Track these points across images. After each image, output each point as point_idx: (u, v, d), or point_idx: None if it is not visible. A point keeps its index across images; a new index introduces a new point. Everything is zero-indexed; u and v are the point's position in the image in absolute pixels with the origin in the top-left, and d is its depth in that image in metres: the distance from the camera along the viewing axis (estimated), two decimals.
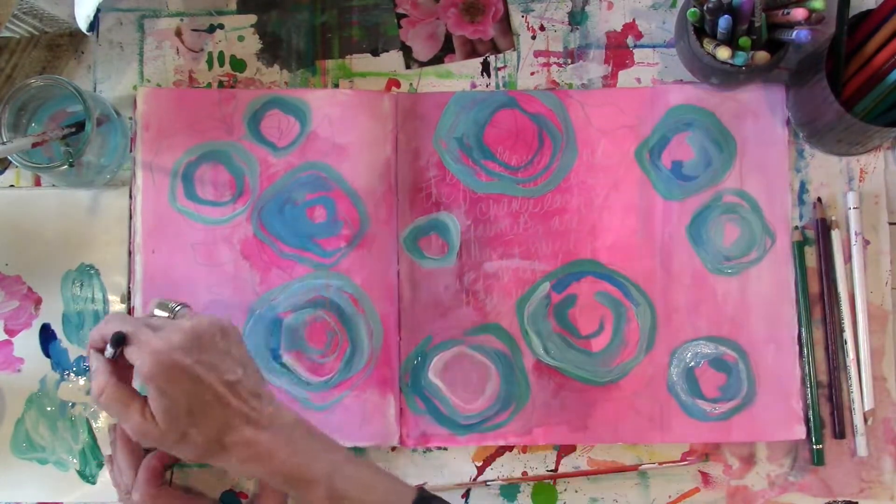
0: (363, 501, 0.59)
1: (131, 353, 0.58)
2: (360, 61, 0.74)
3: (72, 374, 0.71)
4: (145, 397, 0.58)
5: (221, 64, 0.74)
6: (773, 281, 0.71)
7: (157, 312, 0.62)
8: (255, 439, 0.58)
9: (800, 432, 0.69)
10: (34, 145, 0.65)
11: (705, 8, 0.64)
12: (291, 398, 0.70)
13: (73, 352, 0.71)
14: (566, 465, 0.71)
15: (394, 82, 0.74)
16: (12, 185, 0.73)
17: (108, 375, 0.59)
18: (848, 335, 0.70)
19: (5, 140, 0.67)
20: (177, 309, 0.62)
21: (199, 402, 0.57)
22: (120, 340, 0.58)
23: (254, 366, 0.61)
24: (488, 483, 0.70)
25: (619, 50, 0.74)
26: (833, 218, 0.72)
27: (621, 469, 0.71)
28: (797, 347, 0.70)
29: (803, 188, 0.72)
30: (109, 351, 0.59)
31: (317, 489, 0.58)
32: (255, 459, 0.58)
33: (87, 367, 0.70)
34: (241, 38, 0.74)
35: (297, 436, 0.60)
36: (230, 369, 0.59)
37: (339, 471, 0.59)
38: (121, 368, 0.60)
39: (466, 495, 0.71)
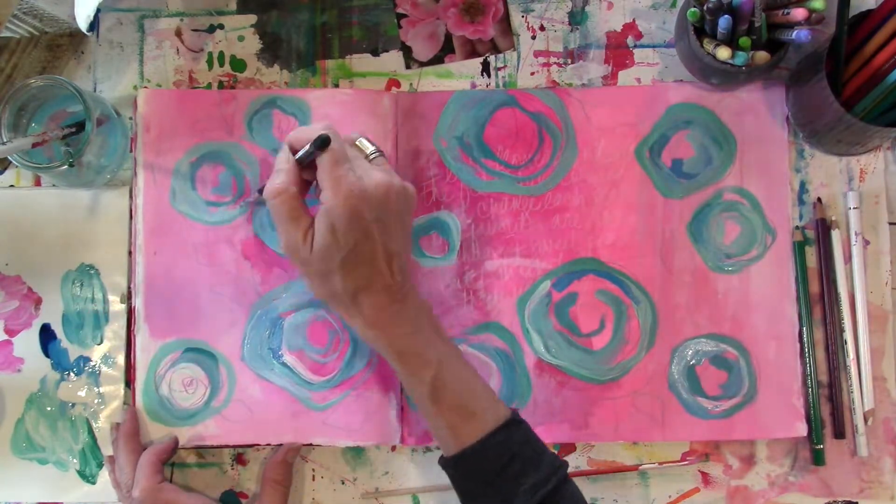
0: (461, 398, 0.61)
1: (324, 176, 0.59)
2: (360, 61, 0.74)
3: (72, 374, 0.71)
4: (312, 219, 0.59)
5: (221, 64, 0.74)
6: (773, 278, 0.71)
7: (361, 144, 0.63)
8: (386, 307, 0.60)
9: (801, 429, 0.69)
10: (34, 145, 0.65)
11: (705, 8, 0.65)
12: (293, 398, 0.70)
13: (73, 352, 0.71)
14: None
15: (394, 82, 0.74)
16: (12, 185, 0.73)
17: (293, 181, 0.60)
18: (848, 335, 0.70)
19: (5, 140, 0.67)
20: (374, 155, 0.63)
21: (357, 256, 0.59)
22: (324, 143, 0.58)
23: (410, 241, 0.63)
24: None
25: (619, 50, 0.74)
26: (833, 218, 0.72)
27: (621, 469, 0.71)
28: (798, 344, 0.70)
29: (803, 188, 0.73)
30: (306, 150, 0.58)
31: (426, 371, 0.61)
32: (378, 326, 0.61)
33: (92, 368, 0.70)
34: (241, 38, 0.74)
35: (422, 319, 0.62)
36: (396, 239, 0.61)
37: (448, 363, 0.61)
38: (299, 177, 0.61)
39: None
